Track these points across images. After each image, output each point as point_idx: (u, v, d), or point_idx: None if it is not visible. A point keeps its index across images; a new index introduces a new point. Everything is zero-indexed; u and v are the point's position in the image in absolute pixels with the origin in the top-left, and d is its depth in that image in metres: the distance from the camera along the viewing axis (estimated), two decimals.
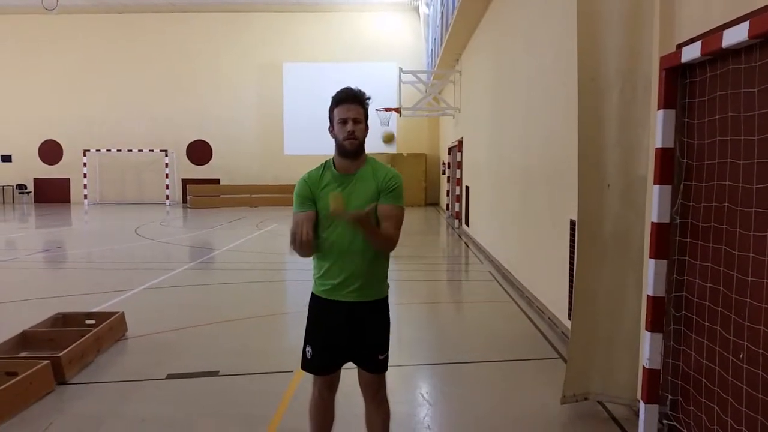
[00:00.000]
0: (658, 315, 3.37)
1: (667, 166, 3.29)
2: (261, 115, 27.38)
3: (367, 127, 2.78)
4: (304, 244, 2.58)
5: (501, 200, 9.93)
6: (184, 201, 26.68)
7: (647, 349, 3.39)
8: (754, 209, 2.68)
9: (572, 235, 5.40)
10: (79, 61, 27.23)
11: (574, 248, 5.06)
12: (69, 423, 3.88)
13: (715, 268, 3.01)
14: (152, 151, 27.17)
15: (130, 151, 27.18)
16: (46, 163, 27.77)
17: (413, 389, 4.57)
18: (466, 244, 13.44)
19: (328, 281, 2.78)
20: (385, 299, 2.89)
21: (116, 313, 5.76)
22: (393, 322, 2.95)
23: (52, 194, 27.76)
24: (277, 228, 16.59)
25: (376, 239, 2.69)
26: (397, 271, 9.15)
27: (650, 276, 3.37)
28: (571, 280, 5.44)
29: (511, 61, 9.23)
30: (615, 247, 3.79)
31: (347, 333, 2.80)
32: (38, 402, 4.13)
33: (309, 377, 2.95)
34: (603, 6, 3.70)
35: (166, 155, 26.94)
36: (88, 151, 26.87)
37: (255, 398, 4.31)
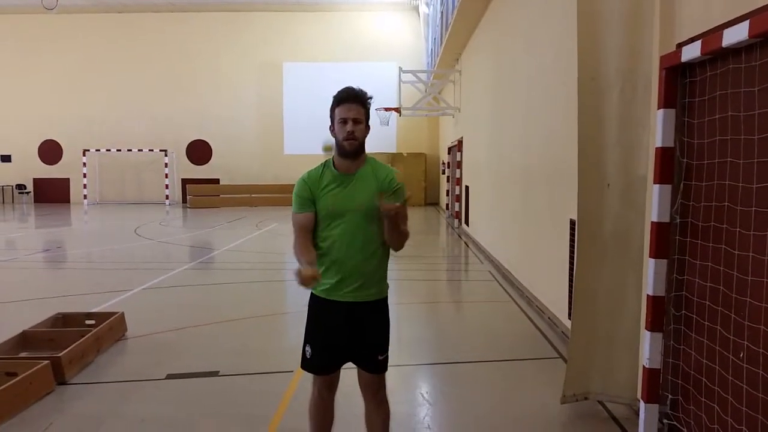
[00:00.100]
0: (658, 314, 3.37)
1: (667, 166, 3.29)
2: (261, 115, 27.38)
3: (368, 128, 2.77)
4: (310, 286, 2.58)
5: (501, 200, 9.93)
6: (184, 201, 26.68)
7: (647, 348, 3.39)
8: (754, 208, 2.68)
9: (572, 235, 5.40)
10: (78, 61, 27.23)
11: (574, 248, 5.06)
12: (69, 423, 3.88)
13: (715, 268, 3.00)
14: (152, 150, 27.17)
15: (130, 150, 27.17)
16: (46, 163, 27.77)
17: (413, 389, 4.57)
18: (465, 243, 13.44)
19: (327, 281, 2.77)
20: (385, 299, 2.88)
21: (116, 313, 5.76)
22: (393, 321, 2.95)
23: (51, 194, 27.76)
24: (277, 228, 16.58)
25: (402, 236, 2.72)
26: (397, 270, 9.14)
27: (650, 275, 3.36)
28: (571, 280, 5.44)
29: (511, 61, 9.23)
30: (615, 247, 3.79)
31: (347, 333, 2.79)
32: (38, 402, 4.13)
33: (309, 377, 2.95)
34: (603, 5, 3.69)
35: (166, 155, 26.94)
36: (88, 150, 26.86)
37: (255, 398, 4.31)
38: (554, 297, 6.28)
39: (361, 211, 2.71)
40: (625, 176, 3.72)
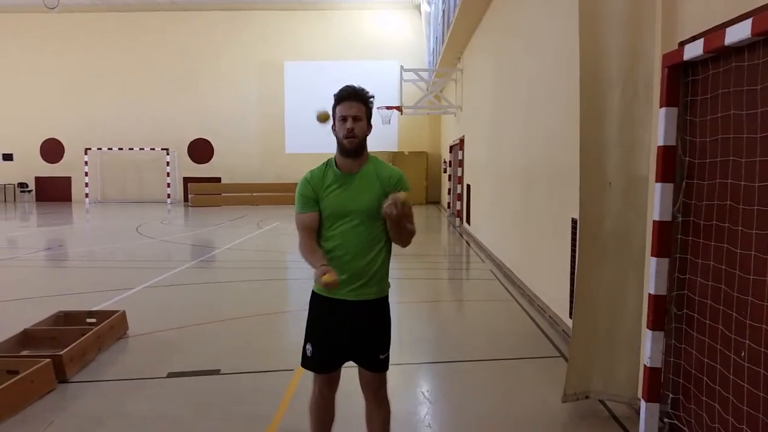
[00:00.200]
0: (660, 313, 3.37)
1: (668, 164, 3.29)
2: (262, 114, 27.39)
3: (369, 126, 2.77)
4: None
5: (502, 199, 9.92)
6: (186, 199, 26.69)
7: (648, 347, 3.39)
8: (756, 207, 2.68)
9: (573, 234, 5.40)
10: (80, 60, 27.26)
11: (575, 247, 5.05)
12: (70, 421, 3.89)
13: (717, 267, 3.00)
14: (153, 149, 27.18)
15: (132, 149, 27.19)
16: (48, 162, 27.80)
17: (414, 388, 4.57)
18: (467, 242, 13.43)
19: None
20: (386, 298, 2.88)
21: (117, 311, 5.76)
22: (394, 320, 2.95)
23: (53, 193, 27.79)
24: (278, 226, 16.59)
25: (408, 235, 2.70)
26: (398, 269, 9.14)
27: (652, 274, 3.36)
28: (572, 279, 5.43)
29: (513, 60, 9.22)
30: (616, 246, 3.79)
31: (348, 332, 2.79)
32: (39, 400, 4.13)
33: (310, 375, 2.95)
34: (605, 5, 3.69)
35: (168, 154, 26.96)
36: (90, 149, 26.89)
37: (256, 397, 4.31)
38: (555, 296, 6.27)
39: (364, 210, 2.70)
40: (626, 175, 3.72)
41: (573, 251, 5.38)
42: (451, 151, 19.95)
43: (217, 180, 27.33)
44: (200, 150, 27.72)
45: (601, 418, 3.94)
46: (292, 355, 4.48)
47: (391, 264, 2.88)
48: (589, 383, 3.98)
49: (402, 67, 18.71)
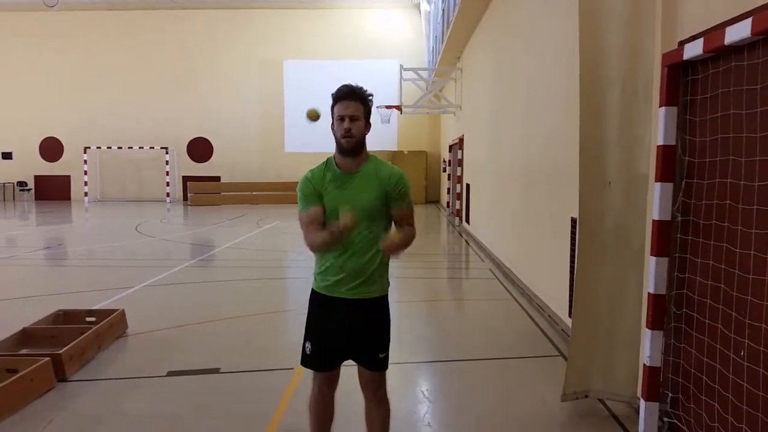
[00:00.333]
0: (659, 312, 3.37)
1: (668, 164, 3.29)
2: (262, 113, 27.37)
3: (368, 125, 2.76)
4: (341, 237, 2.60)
5: (502, 198, 9.92)
6: (185, 198, 26.67)
7: (648, 346, 3.39)
8: (755, 207, 2.68)
9: (573, 233, 5.40)
10: (79, 58, 27.22)
11: (574, 246, 5.05)
12: (69, 420, 3.89)
13: (716, 266, 3.00)
14: (153, 148, 27.16)
15: (131, 148, 27.17)
16: (47, 161, 27.77)
17: (413, 387, 4.57)
18: (466, 241, 13.44)
19: (329, 277, 2.77)
20: (386, 297, 2.88)
21: (117, 310, 5.76)
22: (393, 319, 2.95)
23: (52, 191, 27.77)
24: (278, 225, 16.57)
25: (407, 246, 2.75)
26: (397, 268, 9.13)
27: (651, 273, 3.36)
28: (571, 278, 5.43)
29: (512, 59, 9.22)
30: (616, 245, 3.79)
31: (346, 332, 2.79)
32: (39, 399, 4.13)
33: (309, 374, 2.95)
34: (604, 4, 3.69)
35: (167, 152, 26.94)
36: (89, 148, 26.86)
37: (256, 395, 4.31)
38: (554, 295, 6.27)
39: (364, 209, 2.69)
40: (626, 174, 3.72)
41: (572, 250, 5.38)
42: (450, 151, 19.94)
43: (217, 179, 27.31)
44: (200, 149, 27.70)
45: (601, 417, 3.94)
46: (292, 354, 4.48)
47: (390, 263, 2.89)
48: (588, 382, 3.98)
49: (401, 66, 18.71)
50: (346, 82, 2.77)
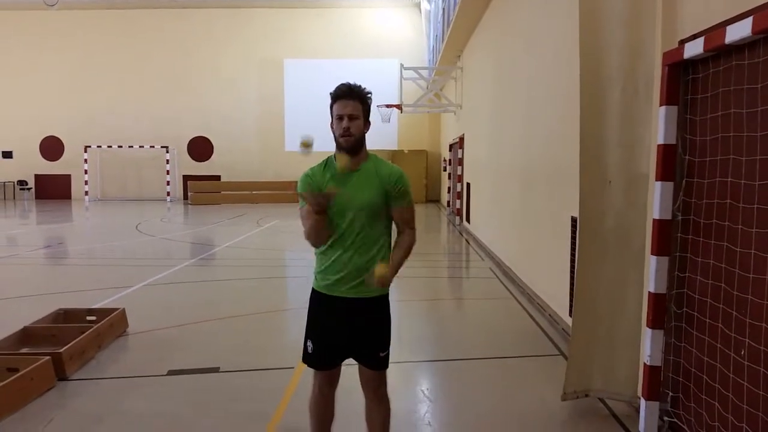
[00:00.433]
0: (659, 312, 3.37)
1: (668, 163, 3.29)
2: (262, 112, 27.37)
3: (368, 124, 2.76)
4: (321, 204, 2.59)
5: (502, 197, 9.92)
6: (185, 197, 26.69)
7: (648, 346, 3.39)
8: (756, 206, 2.68)
9: (573, 233, 5.40)
10: (79, 57, 27.23)
11: (575, 245, 5.05)
12: (70, 419, 3.89)
13: (717, 265, 3.00)
14: (153, 147, 27.16)
15: (131, 147, 27.18)
16: (47, 160, 27.78)
17: (414, 386, 4.57)
18: (466, 240, 13.43)
19: (329, 276, 2.77)
20: (386, 296, 2.88)
21: (117, 309, 5.76)
22: (393, 318, 2.95)
23: (53, 190, 27.77)
24: (278, 224, 16.58)
25: (406, 258, 2.82)
26: None
27: (651, 273, 3.36)
28: (572, 277, 5.43)
29: (512, 59, 9.21)
30: (616, 244, 3.79)
31: (346, 331, 2.79)
32: (39, 398, 4.13)
33: (309, 374, 2.95)
34: (605, 3, 3.68)
35: (167, 152, 26.95)
36: (89, 147, 26.86)
37: (256, 394, 4.31)
38: (555, 294, 6.27)
39: (364, 208, 2.70)
40: (626, 173, 3.72)
41: (572, 249, 5.38)
42: (450, 150, 19.94)
43: (217, 178, 27.32)
44: (200, 148, 27.71)
45: (601, 416, 3.94)
46: (292, 352, 4.50)
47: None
48: (588, 381, 3.98)
49: (402, 65, 18.70)
50: (346, 81, 2.76)
